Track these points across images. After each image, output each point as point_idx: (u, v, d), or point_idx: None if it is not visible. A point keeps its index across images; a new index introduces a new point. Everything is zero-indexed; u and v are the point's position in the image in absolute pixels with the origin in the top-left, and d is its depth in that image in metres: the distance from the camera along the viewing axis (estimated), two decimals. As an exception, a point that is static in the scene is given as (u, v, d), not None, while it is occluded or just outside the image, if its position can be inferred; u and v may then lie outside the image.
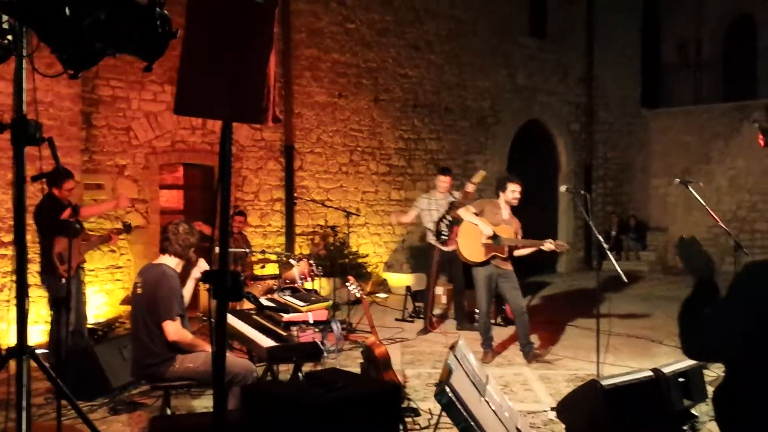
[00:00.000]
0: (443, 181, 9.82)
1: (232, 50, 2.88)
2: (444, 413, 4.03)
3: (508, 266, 7.87)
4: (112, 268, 9.85)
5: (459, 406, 3.62)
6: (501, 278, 7.84)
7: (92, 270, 9.51)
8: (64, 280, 6.71)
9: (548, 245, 7.56)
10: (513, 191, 7.85)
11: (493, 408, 4.10)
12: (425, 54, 13.93)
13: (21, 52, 3.35)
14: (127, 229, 7.88)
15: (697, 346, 2.56)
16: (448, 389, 3.71)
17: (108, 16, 2.97)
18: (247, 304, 6.43)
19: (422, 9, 13.83)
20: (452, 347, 4.30)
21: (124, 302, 9.53)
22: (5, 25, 3.34)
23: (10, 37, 3.37)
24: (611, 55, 17.78)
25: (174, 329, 4.99)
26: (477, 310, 8.57)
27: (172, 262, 5.23)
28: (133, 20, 3.01)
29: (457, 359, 4.03)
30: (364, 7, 12.90)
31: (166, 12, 3.13)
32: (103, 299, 9.65)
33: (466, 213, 7.92)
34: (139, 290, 5.17)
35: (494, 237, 7.68)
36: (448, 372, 3.90)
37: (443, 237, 9.41)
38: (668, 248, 17.10)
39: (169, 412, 5.34)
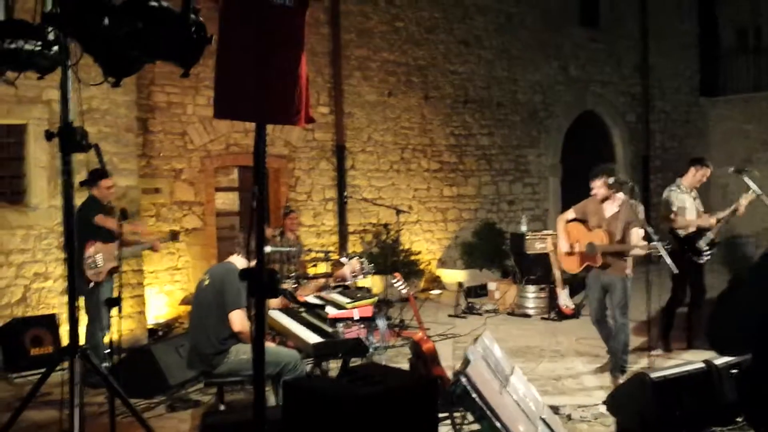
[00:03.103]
0: (705, 175, 7.90)
1: (263, 53, 2.96)
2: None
3: (614, 272, 6.71)
4: (171, 270, 10.11)
5: (475, 396, 3.64)
6: (609, 287, 6.77)
7: (152, 272, 9.78)
8: (92, 285, 6.83)
9: (644, 250, 6.66)
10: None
11: (516, 399, 4.09)
12: (475, 49, 13.88)
13: (66, 62, 3.49)
14: (174, 237, 7.88)
15: (716, 338, 2.50)
16: (463, 379, 3.74)
17: (145, 25, 3.07)
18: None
19: (471, 4, 13.78)
20: (476, 339, 4.32)
21: (183, 303, 9.77)
22: (51, 36, 3.48)
23: (56, 48, 3.52)
24: (666, 42, 17.40)
25: (240, 319, 5.17)
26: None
27: (240, 263, 5.41)
28: (168, 28, 3.10)
29: (479, 350, 4.05)
30: (412, 5, 12.92)
31: (201, 19, 3.23)
32: (163, 300, 9.91)
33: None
34: (206, 282, 5.39)
35: (589, 245, 6.74)
36: (465, 363, 3.93)
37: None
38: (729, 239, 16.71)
39: (222, 407, 5.49)
